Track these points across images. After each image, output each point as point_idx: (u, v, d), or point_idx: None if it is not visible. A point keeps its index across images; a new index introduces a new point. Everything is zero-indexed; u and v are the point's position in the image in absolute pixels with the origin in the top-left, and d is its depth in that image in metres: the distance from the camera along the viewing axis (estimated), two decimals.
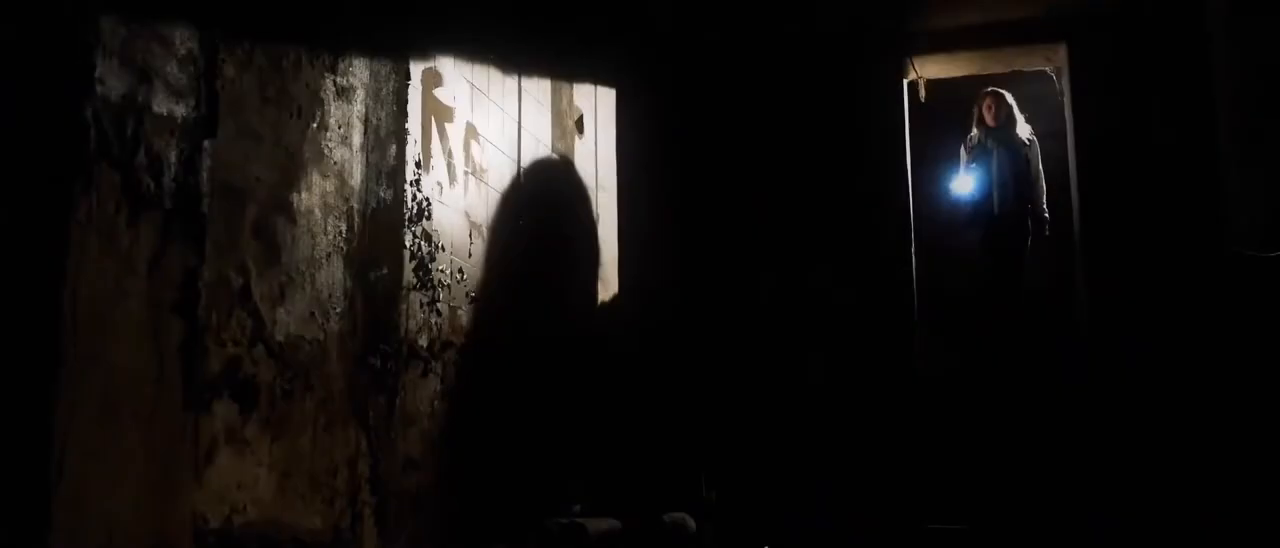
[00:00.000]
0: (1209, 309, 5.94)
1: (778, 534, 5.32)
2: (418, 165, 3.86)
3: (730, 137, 6.94)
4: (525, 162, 4.88)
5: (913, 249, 6.72)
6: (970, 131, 7.51)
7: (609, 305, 5.78)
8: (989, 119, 7.38)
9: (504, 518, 4.12)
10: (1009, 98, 7.38)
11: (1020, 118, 7.39)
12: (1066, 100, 6.84)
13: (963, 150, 7.53)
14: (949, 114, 7.60)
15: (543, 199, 5.08)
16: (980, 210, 7.35)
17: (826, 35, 6.86)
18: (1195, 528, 5.34)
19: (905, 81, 6.97)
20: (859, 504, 6.00)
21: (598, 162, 5.84)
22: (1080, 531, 5.60)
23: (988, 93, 7.41)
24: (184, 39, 2.60)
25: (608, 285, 5.85)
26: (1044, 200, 7.34)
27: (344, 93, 3.39)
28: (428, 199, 3.92)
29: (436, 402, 3.90)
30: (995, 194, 7.25)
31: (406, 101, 3.79)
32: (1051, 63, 7.11)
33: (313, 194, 3.18)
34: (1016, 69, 7.37)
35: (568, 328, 5.21)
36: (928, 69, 7.11)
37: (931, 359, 6.70)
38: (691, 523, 4.74)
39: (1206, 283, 5.99)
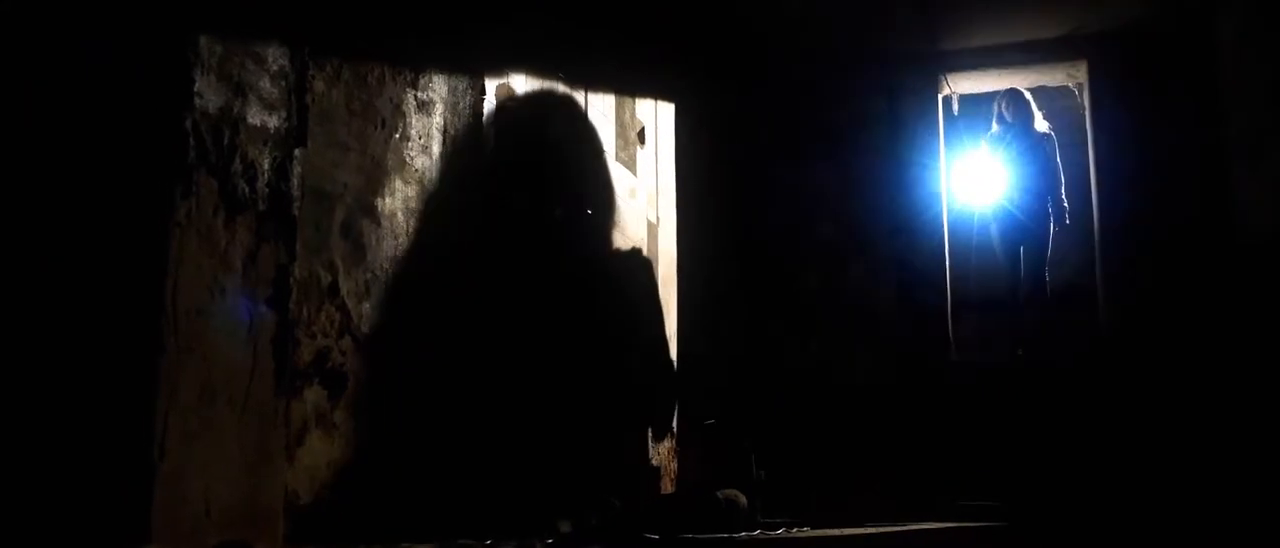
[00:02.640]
0: (1220, 303, 5.76)
1: (821, 510, 5.21)
2: None
3: (777, 145, 6.81)
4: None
5: (947, 250, 6.56)
6: (990, 128, 7.29)
7: (665, 304, 5.68)
8: (1008, 116, 7.15)
9: (571, 490, 4.05)
10: (1027, 95, 7.13)
11: (1038, 114, 7.13)
12: (1087, 112, 6.67)
13: (984, 145, 7.31)
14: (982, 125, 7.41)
15: (605, 206, 4.99)
16: (1000, 203, 7.11)
17: (867, 55, 6.70)
18: (1206, 509, 5.15)
19: (940, 96, 6.81)
20: (897, 484, 5.87)
21: (658, 169, 5.73)
22: (1101, 509, 5.42)
23: (1006, 91, 7.17)
24: (276, 56, 2.53)
25: (668, 287, 5.73)
26: (1062, 191, 7.09)
27: (424, 106, 3.33)
28: None
29: (513, 388, 3.83)
30: (1015, 186, 7.02)
31: (482, 114, 3.72)
32: (1073, 78, 6.92)
33: (395, 199, 3.12)
34: (1041, 84, 7.16)
35: (632, 330, 5.13)
36: (960, 85, 6.95)
37: (964, 352, 6.54)
38: (743, 500, 4.62)
39: (1218, 279, 5.81)
